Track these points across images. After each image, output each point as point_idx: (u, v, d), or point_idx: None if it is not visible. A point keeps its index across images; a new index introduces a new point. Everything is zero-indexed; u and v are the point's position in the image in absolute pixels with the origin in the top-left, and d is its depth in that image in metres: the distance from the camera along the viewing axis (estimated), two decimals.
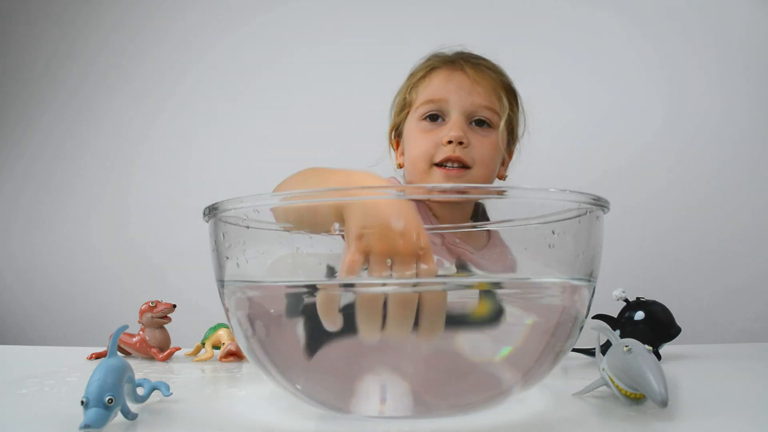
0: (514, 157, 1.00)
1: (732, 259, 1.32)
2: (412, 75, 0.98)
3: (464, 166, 0.87)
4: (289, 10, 1.61)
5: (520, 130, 0.98)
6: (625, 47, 1.43)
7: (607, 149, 1.40)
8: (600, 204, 0.43)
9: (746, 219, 1.33)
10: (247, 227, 0.43)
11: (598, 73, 1.44)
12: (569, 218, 0.42)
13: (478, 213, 0.67)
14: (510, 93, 0.94)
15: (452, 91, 0.89)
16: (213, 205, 0.43)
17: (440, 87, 0.91)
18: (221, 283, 0.45)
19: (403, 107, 0.97)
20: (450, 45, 0.98)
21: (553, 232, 0.42)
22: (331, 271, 0.44)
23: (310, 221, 0.44)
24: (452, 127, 0.87)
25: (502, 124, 0.90)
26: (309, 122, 1.53)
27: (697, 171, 1.36)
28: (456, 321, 0.39)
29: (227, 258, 0.44)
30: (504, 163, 0.98)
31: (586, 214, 0.43)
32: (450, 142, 0.86)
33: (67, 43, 1.72)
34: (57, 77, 1.72)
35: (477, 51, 0.97)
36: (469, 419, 0.42)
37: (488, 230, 0.51)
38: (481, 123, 0.90)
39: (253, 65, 1.61)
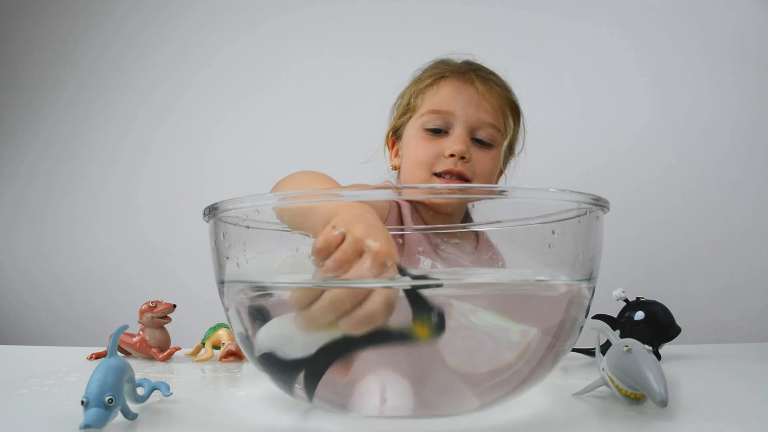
0: (509, 169, 1.01)
1: (732, 260, 1.32)
2: (418, 80, 0.96)
3: (464, 179, 0.87)
4: (290, 11, 1.61)
5: (518, 147, 0.99)
6: (624, 49, 1.43)
7: (607, 149, 1.40)
8: (600, 204, 0.43)
9: (746, 219, 1.33)
10: (248, 227, 0.43)
11: (600, 75, 1.44)
12: (569, 218, 0.42)
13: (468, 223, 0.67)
14: (514, 112, 0.95)
15: (460, 105, 0.89)
16: (213, 205, 0.43)
17: (448, 99, 0.90)
18: (221, 283, 0.45)
19: (405, 111, 0.96)
20: (458, 52, 0.97)
21: (553, 232, 0.42)
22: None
23: (302, 224, 0.43)
24: (455, 141, 0.86)
25: (505, 143, 0.91)
26: (309, 122, 1.54)
27: (698, 171, 1.36)
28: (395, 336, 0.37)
29: (227, 258, 0.44)
30: (498, 176, 0.98)
31: (586, 214, 0.43)
32: (452, 155, 0.86)
33: (70, 43, 1.72)
34: (60, 78, 1.72)
35: (481, 60, 0.97)
36: (469, 419, 0.42)
37: (476, 234, 0.51)
38: (482, 142, 0.90)
39: (254, 67, 1.61)
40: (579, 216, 0.43)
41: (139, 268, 1.59)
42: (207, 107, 1.63)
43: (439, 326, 0.38)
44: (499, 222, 0.50)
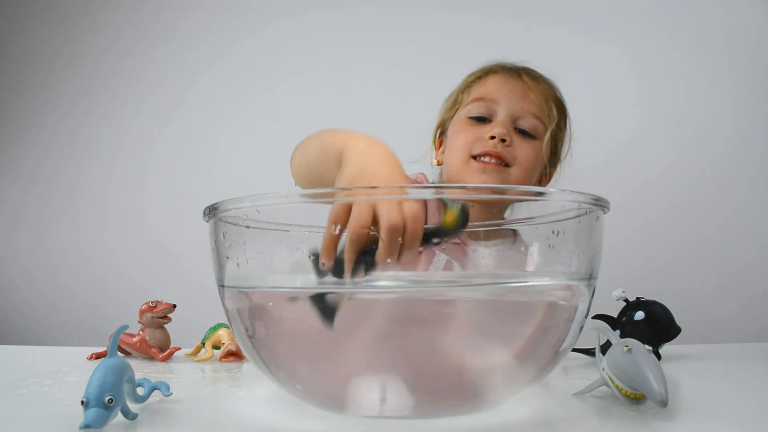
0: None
1: (733, 260, 1.32)
2: (468, 76, 0.97)
3: (504, 163, 0.85)
4: (291, 11, 1.61)
5: (564, 151, 0.96)
6: (622, 49, 1.43)
7: (607, 150, 1.40)
8: (600, 204, 0.43)
9: (747, 220, 1.33)
10: (248, 227, 0.43)
11: (599, 74, 1.44)
12: (569, 218, 0.42)
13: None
14: (560, 108, 0.93)
15: (504, 94, 0.88)
16: (213, 205, 0.43)
17: (494, 89, 0.90)
18: (221, 283, 0.45)
19: (453, 105, 0.96)
20: (513, 59, 0.96)
21: (553, 232, 0.42)
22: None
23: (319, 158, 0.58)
24: (497, 125, 0.86)
25: (548, 135, 0.89)
26: (312, 124, 1.53)
27: (700, 171, 1.36)
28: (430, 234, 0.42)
29: (227, 258, 0.44)
30: (542, 181, 0.95)
31: (586, 214, 0.43)
32: (493, 137, 0.85)
33: (72, 43, 1.72)
34: (62, 78, 1.72)
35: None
36: (469, 419, 0.42)
37: (513, 230, 0.51)
38: (525, 133, 0.88)
39: (258, 68, 1.61)
40: (579, 216, 0.43)
41: (139, 268, 1.59)
42: (209, 108, 1.63)
43: (464, 214, 0.42)
44: (499, 222, 0.50)
